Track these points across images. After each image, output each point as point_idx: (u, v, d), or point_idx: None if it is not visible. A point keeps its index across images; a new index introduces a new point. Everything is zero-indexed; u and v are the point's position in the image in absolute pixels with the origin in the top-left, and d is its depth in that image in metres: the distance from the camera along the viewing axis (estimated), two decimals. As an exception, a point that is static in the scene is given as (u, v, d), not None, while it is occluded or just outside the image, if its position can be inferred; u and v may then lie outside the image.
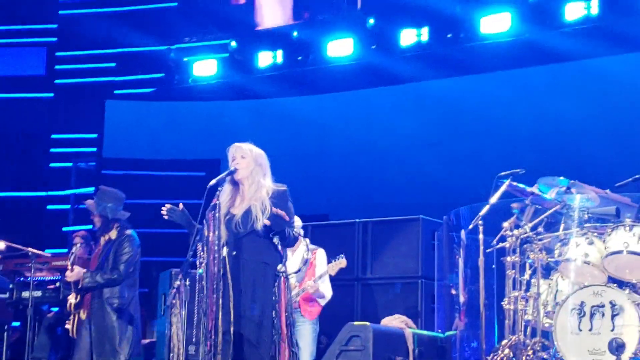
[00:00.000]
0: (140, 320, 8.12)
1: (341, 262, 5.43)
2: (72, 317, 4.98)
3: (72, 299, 4.95)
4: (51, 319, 6.75)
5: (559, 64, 8.48)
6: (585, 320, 4.48)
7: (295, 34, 9.67)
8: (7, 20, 11.09)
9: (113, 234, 5.02)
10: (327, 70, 9.53)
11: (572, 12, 8.24)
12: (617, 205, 4.92)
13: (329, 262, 5.49)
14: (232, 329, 3.91)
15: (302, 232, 5.27)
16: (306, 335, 5.41)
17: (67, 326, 5.07)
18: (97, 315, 4.90)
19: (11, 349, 5.68)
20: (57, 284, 6.16)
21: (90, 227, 6.17)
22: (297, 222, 5.23)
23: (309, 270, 5.53)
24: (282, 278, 4.01)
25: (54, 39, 11.20)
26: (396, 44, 9.11)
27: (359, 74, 9.45)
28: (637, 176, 3.71)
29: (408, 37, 9.03)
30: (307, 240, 5.46)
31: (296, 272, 5.13)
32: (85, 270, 4.94)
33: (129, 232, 5.05)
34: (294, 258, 5.33)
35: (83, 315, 4.93)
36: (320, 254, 5.63)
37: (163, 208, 4.12)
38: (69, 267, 4.97)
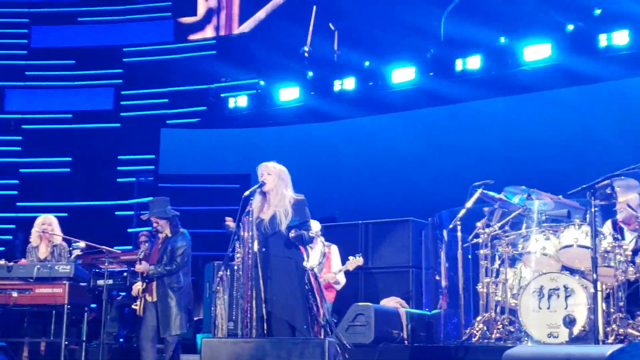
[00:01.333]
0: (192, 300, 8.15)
1: (358, 260, 5.39)
2: (139, 300, 4.99)
3: (138, 286, 4.96)
4: (120, 301, 6.77)
5: (521, 95, 8.47)
6: (544, 301, 4.43)
7: (310, 73, 9.74)
8: (83, 67, 11.21)
9: (169, 232, 5.03)
10: (334, 102, 9.59)
11: (531, 55, 8.20)
12: (568, 208, 4.89)
13: (346, 258, 5.48)
14: (264, 309, 3.92)
15: (319, 233, 5.26)
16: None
17: (134, 306, 5.08)
18: (162, 298, 4.89)
19: (89, 325, 5.69)
20: (125, 274, 6.17)
21: (149, 228, 6.21)
22: (317, 226, 5.25)
23: (327, 263, 5.54)
24: (309, 272, 4.03)
25: (120, 81, 11.27)
26: (389, 79, 9.15)
27: (362, 103, 9.51)
28: (584, 185, 3.69)
29: (400, 75, 9.04)
30: (323, 238, 5.46)
31: (318, 265, 5.14)
32: (150, 264, 4.95)
33: (182, 230, 5.05)
34: (314, 253, 5.33)
35: (149, 298, 4.92)
36: (334, 249, 5.65)
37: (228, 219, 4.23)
38: (138, 261, 4.98)
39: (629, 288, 4.43)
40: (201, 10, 11.29)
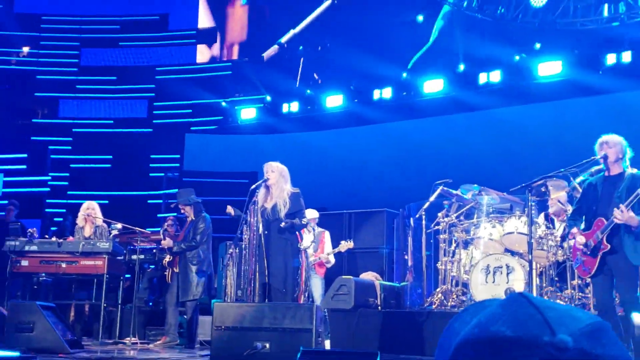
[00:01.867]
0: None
1: (349, 244, 5.45)
2: (167, 270, 5.01)
3: (167, 259, 4.98)
4: (150, 273, 6.76)
5: (473, 113, 8.54)
6: (490, 276, 4.49)
7: (308, 91, 9.77)
8: (123, 82, 11.20)
9: (193, 216, 5.04)
10: (325, 115, 9.63)
11: (490, 77, 8.24)
12: (511, 202, 4.93)
13: (335, 241, 5.51)
14: (266, 280, 3.94)
15: (314, 221, 5.26)
16: (317, 285, 5.50)
17: (166, 274, 5.11)
18: (183, 269, 4.91)
19: (124, 291, 5.69)
20: (154, 251, 6.16)
21: (174, 214, 6.21)
22: (315, 214, 5.27)
23: (321, 245, 5.59)
24: (302, 251, 4.08)
25: (152, 94, 11.27)
26: (371, 98, 9.20)
27: (348, 117, 9.54)
28: (523, 184, 3.73)
29: (379, 94, 9.10)
30: (314, 226, 5.48)
31: (311, 245, 5.18)
32: (173, 240, 4.98)
33: (204, 214, 5.07)
34: (309, 237, 5.38)
35: (175, 270, 4.95)
36: (327, 234, 5.69)
37: (228, 206, 4.22)
38: (163, 237, 5.01)
39: (558, 267, 4.49)
40: (213, 52, 11.28)
